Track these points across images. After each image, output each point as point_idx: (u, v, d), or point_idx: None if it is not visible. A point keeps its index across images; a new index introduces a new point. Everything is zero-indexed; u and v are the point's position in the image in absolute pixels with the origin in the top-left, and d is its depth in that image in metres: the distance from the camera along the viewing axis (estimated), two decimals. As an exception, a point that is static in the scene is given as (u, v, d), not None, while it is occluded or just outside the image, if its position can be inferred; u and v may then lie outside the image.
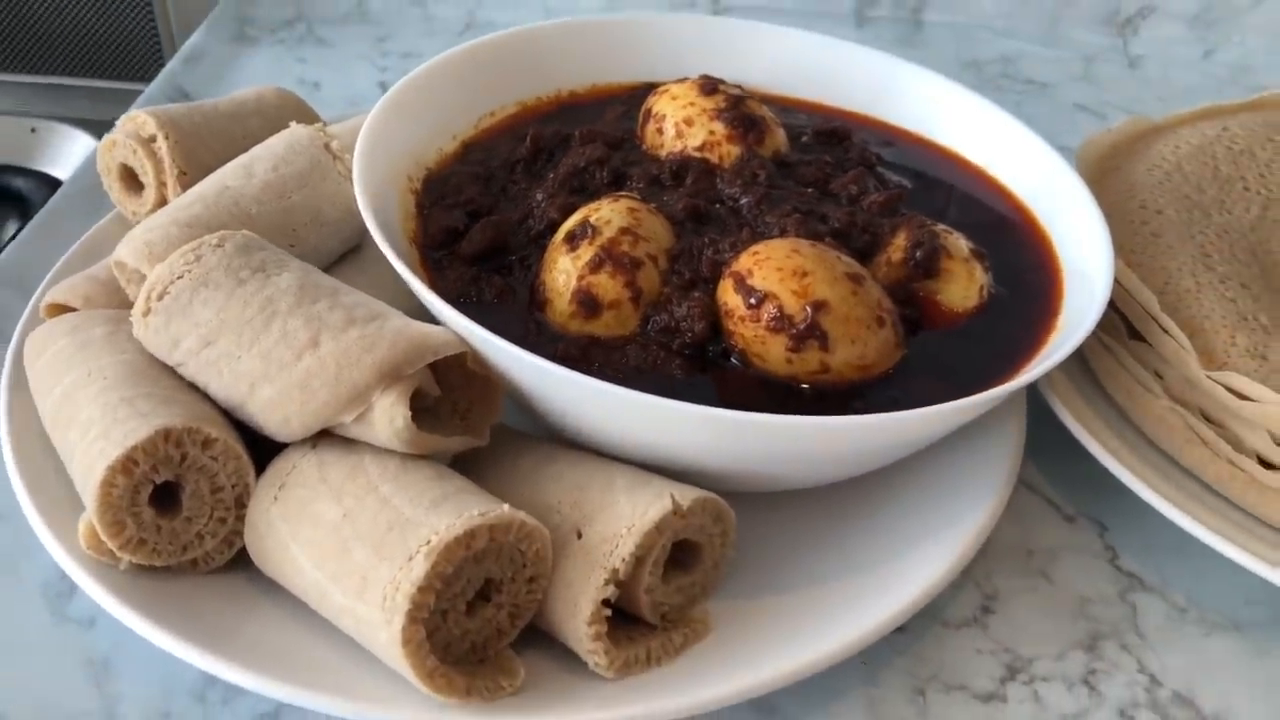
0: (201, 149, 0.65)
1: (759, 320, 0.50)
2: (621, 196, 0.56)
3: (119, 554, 0.47)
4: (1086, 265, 0.56)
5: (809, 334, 0.49)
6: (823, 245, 0.52)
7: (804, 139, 0.65)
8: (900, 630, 0.53)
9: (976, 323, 0.56)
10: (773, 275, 0.50)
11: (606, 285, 0.52)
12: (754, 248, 0.52)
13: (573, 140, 0.62)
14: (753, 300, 0.50)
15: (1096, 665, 0.52)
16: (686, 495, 0.47)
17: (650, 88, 0.66)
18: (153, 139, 0.64)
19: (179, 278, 0.50)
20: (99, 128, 0.67)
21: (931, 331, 0.55)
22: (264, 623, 0.48)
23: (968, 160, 0.66)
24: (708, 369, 0.52)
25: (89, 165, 0.66)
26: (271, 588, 0.49)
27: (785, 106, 0.70)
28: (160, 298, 0.50)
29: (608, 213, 0.54)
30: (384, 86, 0.88)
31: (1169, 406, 0.55)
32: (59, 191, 0.76)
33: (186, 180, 0.63)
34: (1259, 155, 0.68)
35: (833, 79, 0.70)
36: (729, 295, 0.51)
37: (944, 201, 0.63)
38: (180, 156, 0.64)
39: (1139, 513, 0.56)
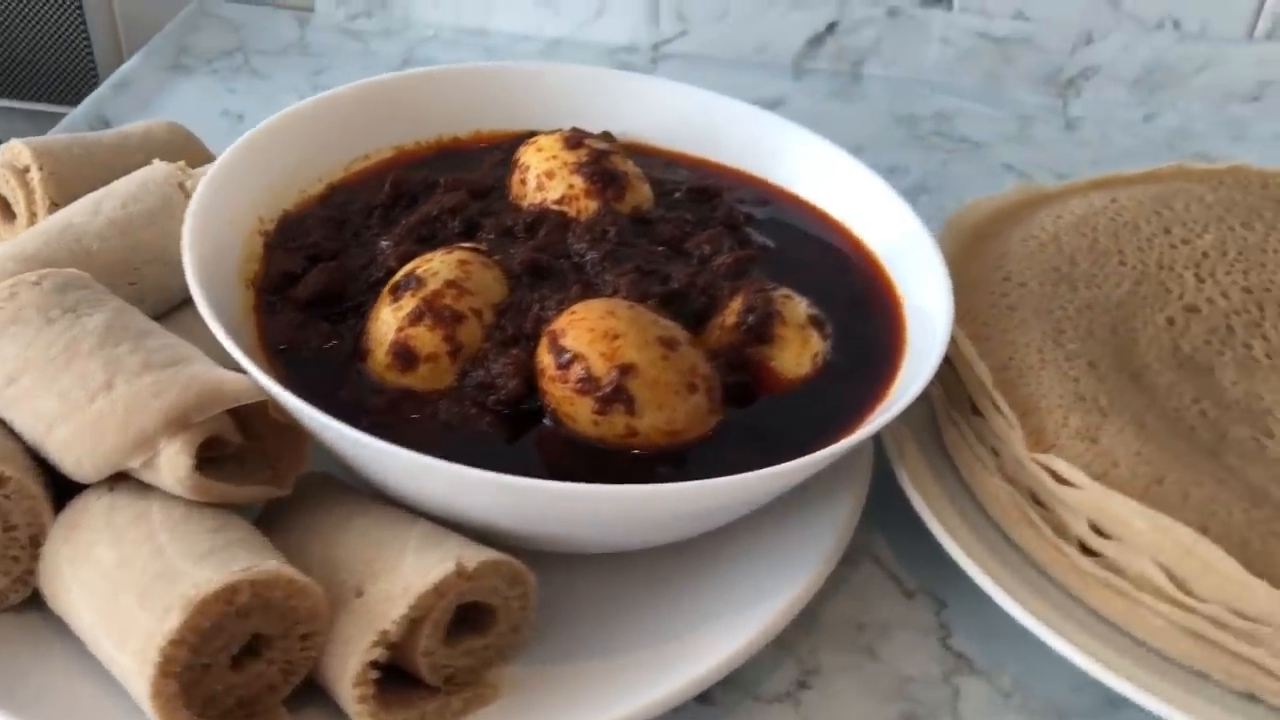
0: (78, 181, 0.65)
1: (567, 381, 0.49)
2: (458, 248, 0.55)
3: (-96, 590, 0.47)
4: (929, 336, 0.56)
5: (615, 397, 0.49)
6: (642, 308, 0.52)
7: (677, 195, 0.65)
8: (708, 703, 0.52)
9: (811, 390, 0.55)
10: (584, 336, 0.50)
11: (424, 338, 0.52)
12: (574, 307, 0.51)
13: (438, 187, 0.62)
14: (563, 360, 0.50)
15: (905, 749, 0.51)
16: (475, 557, 0.47)
17: (532, 136, 0.66)
18: (27, 169, 0.64)
19: (-6, 314, 0.50)
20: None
21: (765, 398, 0.54)
22: (51, 667, 0.48)
23: (836, 221, 0.65)
24: (521, 427, 0.51)
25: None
26: (65, 630, 0.48)
27: (670, 161, 0.70)
28: (-27, 332, 0.50)
29: (438, 264, 0.54)
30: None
31: (1001, 485, 0.54)
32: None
33: (57, 211, 0.64)
34: (1142, 229, 0.67)
35: (717, 135, 0.69)
36: (543, 354, 0.51)
37: (804, 263, 0.62)
38: (54, 188, 0.64)
39: (979, 592, 0.55)
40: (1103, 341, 0.59)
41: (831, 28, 1.03)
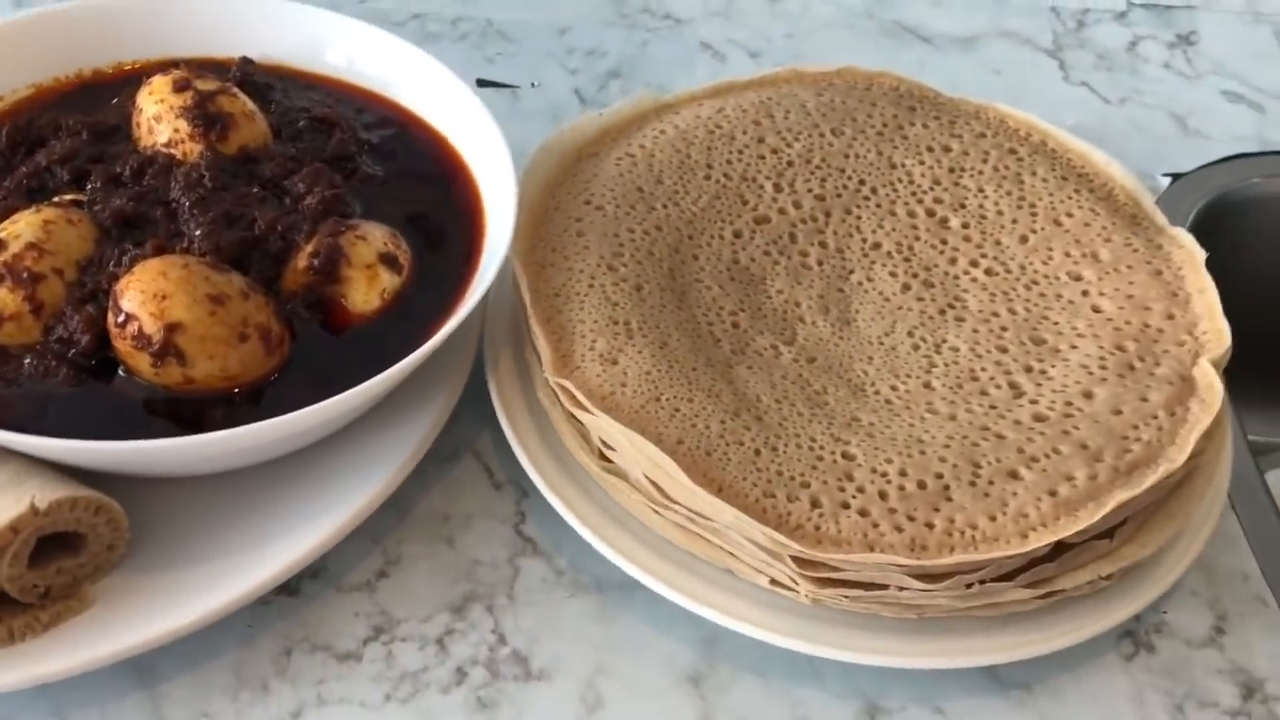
0: None
1: (125, 338, 0.56)
2: (45, 206, 0.61)
3: None
4: (493, 264, 0.62)
5: (165, 352, 0.56)
6: (198, 265, 0.57)
7: (301, 125, 0.70)
8: (295, 594, 0.61)
9: (380, 325, 0.62)
10: (136, 297, 0.56)
11: (6, 300, 0.58)
12: (135, 268, 0.57)
13: (62, 131, 0.67)
14: (119, 320, 0.56)
15: (456, 626, 0.61)
16: (49, 496, 0.54)
17: (174, 67, 0.69)
18: None
19: None
20: None
21: (339, 334, 0.61)
22: None
23: (451, 145, 0.70)
24: (99, 379, 0.58)
25: None
26: None
27: (310, 85, 0.74)
28: None
29: (22, 226, 0.59)
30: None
31: (546, 399, 0.62)
32: None
33: None
34: (738, 139, 0.72)
35: (349, 56, 0.73)
36: (109, 311, 0.57)
37: (406, 193, 0.68)
38: None
39: (554, 483, 0.64)
40: (660, 261, 0.66)
41: (545, -99, 1.04)
